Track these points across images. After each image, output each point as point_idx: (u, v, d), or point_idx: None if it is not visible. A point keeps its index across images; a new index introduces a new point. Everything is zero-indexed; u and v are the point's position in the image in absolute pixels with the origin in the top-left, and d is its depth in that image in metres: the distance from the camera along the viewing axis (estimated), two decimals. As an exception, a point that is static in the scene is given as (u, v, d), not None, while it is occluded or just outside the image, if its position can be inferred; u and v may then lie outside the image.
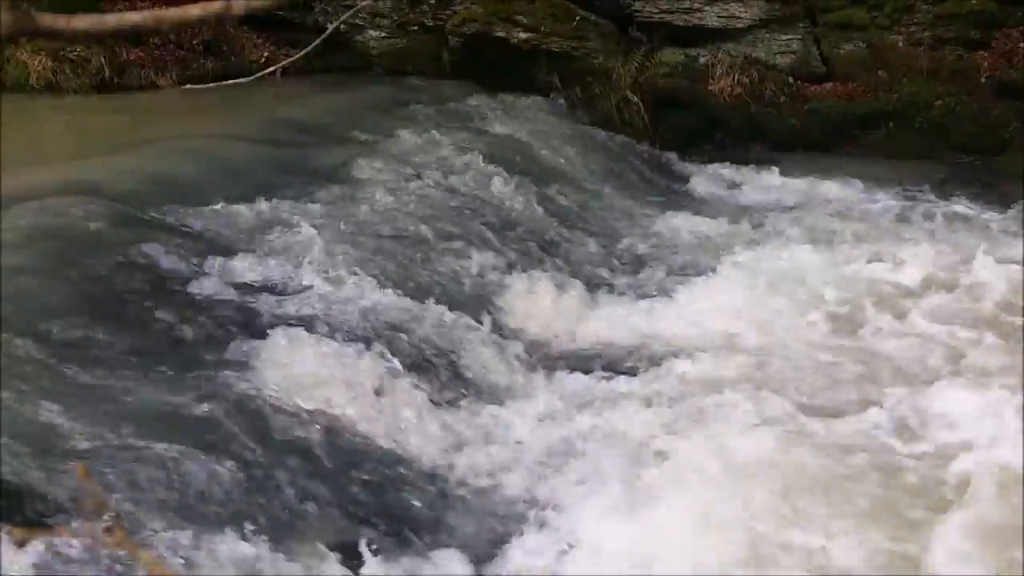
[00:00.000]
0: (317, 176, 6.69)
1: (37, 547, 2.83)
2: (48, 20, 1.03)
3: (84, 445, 3.46)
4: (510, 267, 6.14)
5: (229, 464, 3.65)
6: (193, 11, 1.15)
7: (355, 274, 5.30)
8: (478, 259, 6.05)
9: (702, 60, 9.66)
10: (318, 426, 4.08)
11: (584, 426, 4.59)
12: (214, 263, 5.13)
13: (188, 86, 9.02)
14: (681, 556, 3.53)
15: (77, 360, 4.02)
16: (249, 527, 3.40)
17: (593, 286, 6.21)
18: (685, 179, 8.90)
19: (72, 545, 2.84)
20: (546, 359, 5.41)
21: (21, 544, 2.78)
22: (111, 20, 1.07)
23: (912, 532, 3.64)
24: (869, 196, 8.31)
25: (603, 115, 9.50)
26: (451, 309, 5.36)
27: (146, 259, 4.99)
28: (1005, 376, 4.76)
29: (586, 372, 5.17)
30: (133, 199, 5.71)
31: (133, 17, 1.08)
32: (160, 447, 3.57)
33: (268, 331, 4.57)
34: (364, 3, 8.97)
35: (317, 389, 4.24)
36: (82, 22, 1.05)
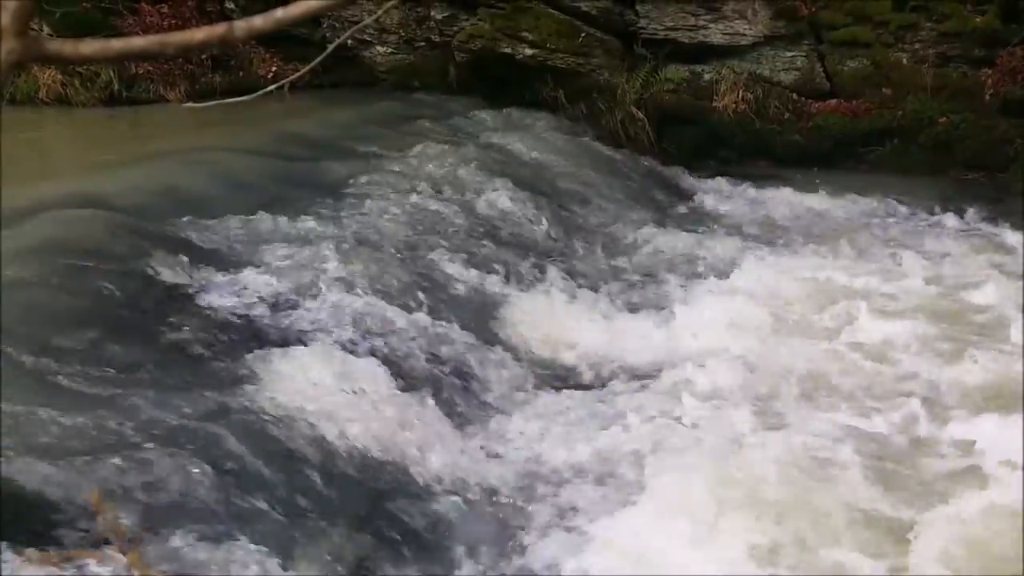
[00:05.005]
0: (324, 190, 6.73)
1: (51, 569, 2.85)
2: (56, 46, 1.06)
3: (90, 458, 3.49)
4: (515, 281, 6.17)
5: (235, 476, 3.68)
6: (197, 35, 1.18)
7: (361, 288, 5.33)
8: (484, 273, 6.08)
9: (707, 77, 9.70)
10: (324, 439, 4.10)
11: (587, 440, 4.61)
12: (221, 276, 5.17)
13: (189, 104, 9.09)
14: (683, 567, 3.55)
15: (83, 372, 4.05)
16: (258, 540, 3.42)
17: (597, 300, 6.23)
18: (689, 194, 8.93)
19: (86, 567, 2.85)
20: (550, 372, 5.43)
21: (34, 564, 2.79)
22: (117, 45, 1.10)
23: (908, 542, 3.65)
24: (873, 212, 8.33)
25: (608, 131, 9.54)
26: (456, 322, 5.40)
27: (153, 272, 5.03)
28: (1004, 388, 4.77)
29: (589, 385, 5.20)
30: (141, 212, 5.76)
31: (138, 42, 1.12)
32: (167, 460, 3.59)
33: (274, 344, 4.61)
34: (368, 20, 9.04)
35: (323, 401, 4.27)
36: (89, 47, 1.08)
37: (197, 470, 3.60)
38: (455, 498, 4.14)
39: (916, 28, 9.31)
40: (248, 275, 5.24)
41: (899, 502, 3.91)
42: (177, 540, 3.28)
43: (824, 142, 9.37)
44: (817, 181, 8.87)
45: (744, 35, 9.59)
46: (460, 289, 5.88)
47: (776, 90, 9.60)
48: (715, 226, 7.97)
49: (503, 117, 9.26)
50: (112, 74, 9.80)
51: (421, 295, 5.60)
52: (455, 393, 4.92)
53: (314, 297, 5.16)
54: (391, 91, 10.18)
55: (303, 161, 7.37)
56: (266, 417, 4.06)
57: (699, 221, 8.15)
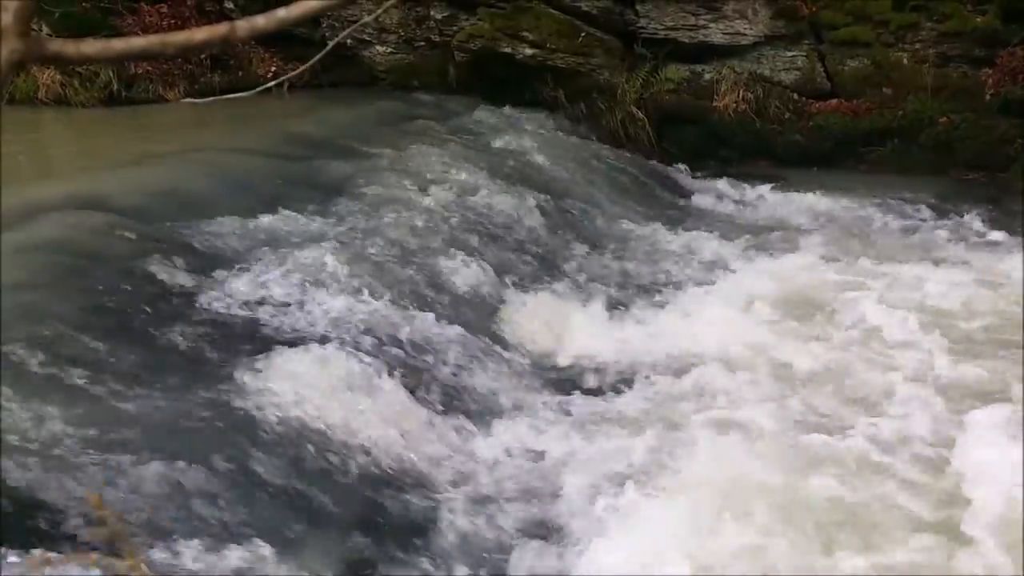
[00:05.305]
0: (324, 190, 6.73)
1: (50, 570, 2.84)
2: (57, 46, 1.05)
3: (90, 459, 3.48)
4: (515, 281, 6.17)
5: (234, 477, 3.67)
6: (198, 35, 1.17)
7: (361, 288, 5.33)
8: (483, 273, 6.07)
9: (707, 76, 9.70)
10: (324, 439, 4.10)
11: (588, 440, 4.60)
12: (221, 276, 5.17)
13: (188, 100, 9.09)
14: (686, 568, 3.54)
15: (83, 373, 4.04)
16: (255, 540, 3.41)
17: (596, 301, 6.22)
18: (689, 194, 8.93)
19: (86, 569, 2.84)
20: (548, 373, 5.42)
21: (34, 568, 2.78)
22: (118, 45, 1.09)
23: (913, 549, 3.64)
24: (873, 212, 8.32)
25: (608, 131, 9.55)
26: (456, 323, 5.39)
27: (153, 272, 5.03)
28: (1004, 390, 4.77)
29: (587, 387, 5.19)
30: (140, 213, 5.75)
31: (139, 42, 1.11)
32: (166, 460, 3.59)
33: (273, 344, 4.60)
34: (367, 18, 9.04)
35: (323, 402, 4.26)
36: (90, 47, 1.07)
37: (197, 471, 3.60)
38: (455, 498, 4.14)
39: (916, 28, 9.32)
40: (248, 275, 5.23)
41: (907, 503, 3.91)
42: (177, 541, 3.27)
43: (825, 142, 9.38)
44: (818, 181, 8.86)
45: (744, 35, 9.58)
46: (460, 289, 5.88)
47: (776, 90, 9.60)
48: (716, 226, 7.97)
49: (503, 117, 9.26)
50: (111, 74, 9.80)
51: (420, 295, 5.59)
52: (455, 393, 4.91)
53: (314, 297, 5.15)
54: (391, 91, 10.18)
55: (303, 161, 7.36)
56: (266, 417, 4.05)
57: (699, 221, 8.15)
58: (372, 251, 5.81)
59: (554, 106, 9.72)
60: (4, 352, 3.95)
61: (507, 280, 6.15)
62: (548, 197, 7.61)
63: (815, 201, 8.53)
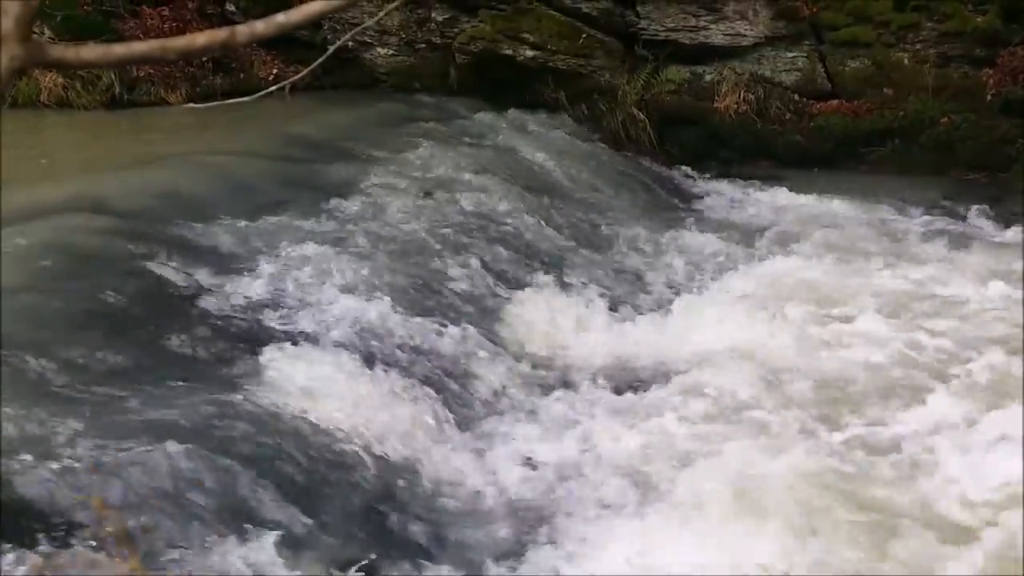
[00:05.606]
0: (326, 192, 6.73)
1: (51, 571, 2.85)
2: (58, 51, 1.06)
3: (91, 460, 3.49)
4: (516, 282, 6.17)
5: (236, 478, 3.68)
6: (199, 40, 1.18)
7: (362, 289, 5.34)
8: (484, 275, 6.08)
9: (708, 77, 9.69)
10: (325, 439, 4.11)
11: (587, 442, 4.60)
12: (222, 278, 5.18)
13: (190, 104, 9.09)
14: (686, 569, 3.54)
15: (84, 374, 4.06)
16: (256, 541, 3.42)
17: (597, 302, 6.22)
18: (690, 195, 8.93)
19: (87, 569, 2.85)
20: (550, 374, 5.42)
21: (35, 568, 2.79)
22: (118, 50, 1.10)
23: (928, 548, 3.65)
24: (874, 212, 8.32)
25: (609, 132, 9.54)
26: (457, 324, 5.40)
27: (154, 274, 5.04)
28: (1006, 390, 4.77)
29: (590, 387, 5.19)
30: (142, 214, 5.77)
31: (140, 47, 1.12)
32: (167, 461, 3.60)
33: (275, 346, 4.61)
34: (370, 22, 9.05)
35: (324, 402, 4.27)
36: (91, 53, 1.08)
37: (198, 472, 3.60)
38: (455, 499, 4.15)
39: (917, 28, 9.30)
40: (249, 277, 5.25)
41: (906, 503, 3.91)
42: (178, 541, 3.28)
43: (825, 143, 9.37)
44: (819, 182, 8.86)
45: (745, 36, 9.58)
46: (461, 290, 5.88)
47: (777, 91, 9.59)
48: (717, 227, 7.97)
49: (504, 119, 9.26)
50: (113, 77, 9.81)
51: (422, 296, 5.60)
52: (456, 394, 4.92)
53: (315, 298, 5.17)
54: (392, 93, 10.18)
55: (304, 163, 7.37)
56: (267, 418, 4.06)
57: (700, 222, 8.15)
58: (373, 252, 5.82)
59: (555, 108, 9.71)
60: (5, 353, 3.96)
61: (509, 281, 6.16)
62: (549, 198, 7.61)
63: (815, 202, 8.52)
